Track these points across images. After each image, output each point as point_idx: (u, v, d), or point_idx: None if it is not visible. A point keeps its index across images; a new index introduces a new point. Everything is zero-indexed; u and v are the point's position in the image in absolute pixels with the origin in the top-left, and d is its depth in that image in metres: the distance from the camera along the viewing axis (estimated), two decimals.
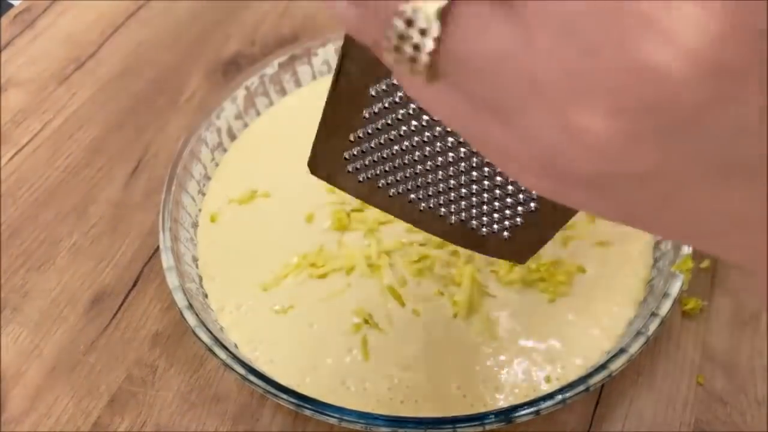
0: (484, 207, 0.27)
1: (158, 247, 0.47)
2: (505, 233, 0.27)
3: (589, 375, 0.40)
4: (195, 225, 0.52)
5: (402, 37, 0.15)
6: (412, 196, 0.28)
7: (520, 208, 0.26)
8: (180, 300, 0.44)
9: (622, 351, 0.40)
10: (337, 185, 0.29)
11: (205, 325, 0.42)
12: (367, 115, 0.25)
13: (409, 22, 0.14)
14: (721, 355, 0.46)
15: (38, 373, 0.48)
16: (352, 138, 0.26)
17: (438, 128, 0.25)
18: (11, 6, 0.74)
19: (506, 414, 0.38)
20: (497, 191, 0.26)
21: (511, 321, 0.45)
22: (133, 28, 0.70)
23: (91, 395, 0.47)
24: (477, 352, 0.44)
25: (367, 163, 0.27)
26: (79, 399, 0.46)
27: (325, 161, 0.28)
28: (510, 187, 0.26)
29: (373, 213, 0.50)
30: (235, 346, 0.45)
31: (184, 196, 0.51)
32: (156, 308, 0.50)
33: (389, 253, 0.48)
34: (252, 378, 0.40)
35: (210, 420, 0.45)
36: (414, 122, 0.25)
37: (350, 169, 0.28)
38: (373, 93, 0.24)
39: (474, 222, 0.27)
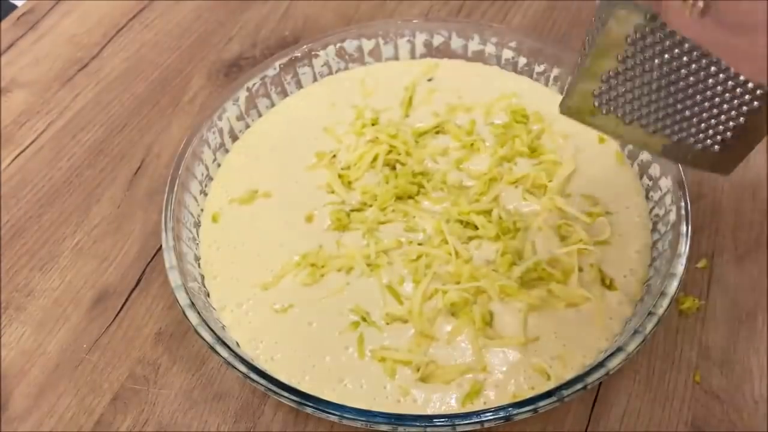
0: (702, 125, 0.35)
1: (161, 247, 0.47)
2: (716, 147, 0.36)
3: (587, 373, 0.40)
4: (197, 225, 0.52)
5: None
6: (645, 121, 0.36)
7: (731, 123, 0.35)
8: (182, 299, 0.44)
9: (619, 350, 0.41)
10: (583, 121, 0.37)
11: (207, 324, 0.43)
12: (620, 59, 0.34)
13: None
14: (718, 353, 0.47)
15: (41, 371, 0.48)
16: (603, 78, 0.35)
17: (674, 63, 0.33)
18: (14, 7, 0.75)
19: (504, 412, 0.39)
20: (714, 110, 0.34)
21: (509, 319, 0.45)
22: (136, 30, 0.71)
23: (94, 393, 0.47)
24: (475, 350, 0.44)
25: (611, 97, 0.36)
26: (82, 397, 0.47)
27: (576, 101, 0.36)
28: (725, 106, 0.34)
29: (372, 213, 0.51)
30: (237, 344, 0.45)
31: (187, 196, 0.51)
32: (158, 307, 0.51)
33: (387, 252, 0.49)
34: (254, 376, 0.41)
35: (212, 418, 0.46)
36: (657, 60, 0.34)
37: (596, 104, 0.36)
38: (629, 41, 0.33)
39: (692, 139, 0.36)
